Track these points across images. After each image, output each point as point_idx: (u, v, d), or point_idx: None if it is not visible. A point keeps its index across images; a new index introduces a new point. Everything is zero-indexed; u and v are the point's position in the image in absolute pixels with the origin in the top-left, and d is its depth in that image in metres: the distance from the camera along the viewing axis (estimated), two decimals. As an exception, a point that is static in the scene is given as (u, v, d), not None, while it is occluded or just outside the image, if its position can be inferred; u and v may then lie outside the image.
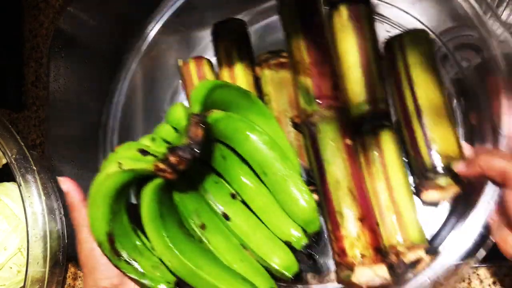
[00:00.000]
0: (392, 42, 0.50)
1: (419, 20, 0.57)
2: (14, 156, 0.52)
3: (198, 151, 0.36)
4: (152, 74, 0.72)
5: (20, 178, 0.52)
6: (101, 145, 0.59)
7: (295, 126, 0.49)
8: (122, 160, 0.37)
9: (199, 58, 0.57)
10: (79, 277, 0.59)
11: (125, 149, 0.39)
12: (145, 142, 0.40)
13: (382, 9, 0.62)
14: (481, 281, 0.48)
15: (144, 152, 0.37)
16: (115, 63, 0.76)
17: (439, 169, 0.44)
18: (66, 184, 0.43)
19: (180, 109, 0.42)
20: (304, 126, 0.46)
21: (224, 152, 0.44)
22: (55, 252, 0.53)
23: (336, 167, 0.43)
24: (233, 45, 0.54)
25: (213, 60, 0.58)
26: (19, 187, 0.51)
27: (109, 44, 0.75)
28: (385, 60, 0.50)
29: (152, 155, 0.37)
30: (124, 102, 0.60)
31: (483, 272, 0.48)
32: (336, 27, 0.49)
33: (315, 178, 0.45)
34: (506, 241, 0.38)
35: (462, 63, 0.63)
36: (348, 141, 0.44)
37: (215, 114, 0.42)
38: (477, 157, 0.38)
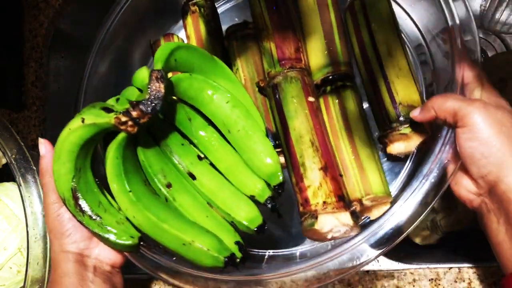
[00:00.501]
0: (353, 2, 0.51)
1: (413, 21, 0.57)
2: (14, 156, 0.52)
3: (159, 106, 0.36)
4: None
5: (20, 178, 0.51)
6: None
7: (261, 90, 0.50)
8: (85, 116, 0.37)
9: (168, 35, 0.59)
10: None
11: (89, 107, 0.39)
12: (110, 102, 0.40)
13: None
14: (481, 281, 0.48)
15: (107, 109, 0.38)
16: (115, 63, 0.76)
17: (402, 118, 0.45)
18: (46, 146, 0.43)
19: (143, 71, 0.43)
20: (269, 88, 0.47)
21: (189, 114, 0.45)
22: (55, 252, 0.53)
23: (299, 122, 0.44)
24: (201, 20, 0.55)
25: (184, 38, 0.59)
26: (19, 187, 0.51)
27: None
28: (349, 20, 0.51)
29: (115, 111, 0.37)
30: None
31: (483, 272, 0.48)
32: None
33: (280, 135, 0.46)
34: (458, 182, 0.38)
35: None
36: (311, 99, 0.45)
37: (179, 74, 0.43)
38: (432, 100, 0.38)
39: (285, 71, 0.46)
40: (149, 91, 0.37)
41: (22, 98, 0.68)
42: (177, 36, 0.59)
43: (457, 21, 0.42)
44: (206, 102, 0.44)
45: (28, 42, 0.69)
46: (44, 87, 0.68)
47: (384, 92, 0.46)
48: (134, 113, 0.36)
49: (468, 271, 0.49)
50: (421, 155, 0.47)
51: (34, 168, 0.53)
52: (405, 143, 0.46)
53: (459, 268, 0.49)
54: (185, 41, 0.58)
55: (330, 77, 0.48)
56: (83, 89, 0.53)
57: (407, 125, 0.44)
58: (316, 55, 0.49)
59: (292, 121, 0.44)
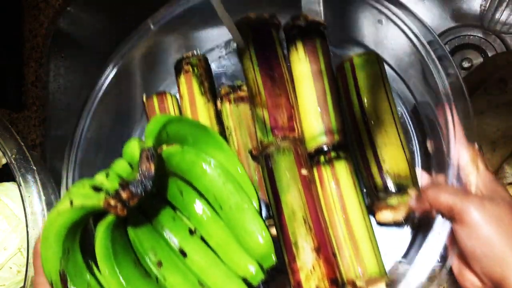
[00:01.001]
0: (343, 64, 0.50)
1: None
2: (14, 156, 0.52)
3: (149, 186, 0.35)
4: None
5: (20, 178, 0.52)
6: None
7: (254, 158, 0.49)
8: (74, 197, 0.36)
9: (161, 94, 0.57)
10: (79, 277, 0.59)
11: (78, 186, 0.38)
12: (99, 178, 0.39)
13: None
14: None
15: (96, 188, 0.37)
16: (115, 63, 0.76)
17: (390, 189, 0.44)
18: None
19: (134, 144, 0.42)
20: (261, 157, 0.46)
21: (180, 186, 0.44)
22: (55, 252, 0.53)
23: (292, 197, 0.43)
24: (194, 80, 0.54)
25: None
26: (19, 187, 0.51)
27: (109, 44, 0.75)
28: (339, 82, 0.51)
29: (105, 191, 0.36)
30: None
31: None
32: (293, 61, 0.50)
33: (272, 209, 0.45)
34: (463, 274, 0.37)
35: (463, 63, 0.63)
36: (304, 171, 0.44)
37: (169, 148, 0.41)
38: (425, 192, 0.37)
39: (278, 141, 0.45)
40: (139, 171, 0.36)
41: (22, 98, 0.68)
42: (170, 94, 0.57)
43: (451, 98, 0.41)
44: (198, 176, 0.43)
45: (28, 42, 0.69)
46: (44, 87, 0.68)
47: (371, 160, 0.46)
48: (124, 195, 0.35)
49: None
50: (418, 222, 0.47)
51: (34, 168, 0.53)
52: (392, 213, 0.45)
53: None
54: (178, 100, 0.57)
55: (324, 147, 0.47)
56: (74, 151, 0.52)
57: (394, 196, 0.44)
58: (309, 123, 0.48)
59: (284, 195, 0.43)
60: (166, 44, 0.61)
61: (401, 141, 0.46)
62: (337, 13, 0.62)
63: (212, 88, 0.56)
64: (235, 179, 0.43)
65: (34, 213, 0.51)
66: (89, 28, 0.71)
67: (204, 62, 0.57)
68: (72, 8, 0.68)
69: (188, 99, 0.54)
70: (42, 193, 0.53)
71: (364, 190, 0.48)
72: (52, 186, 0.56)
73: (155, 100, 0.56)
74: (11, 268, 0.54)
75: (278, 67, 0.48)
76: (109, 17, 0.72)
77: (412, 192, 0.44)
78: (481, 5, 0.62)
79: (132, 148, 0.41)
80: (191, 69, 0.55)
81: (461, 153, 0.38)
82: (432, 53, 0.43)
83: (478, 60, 0.62)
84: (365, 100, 0.47)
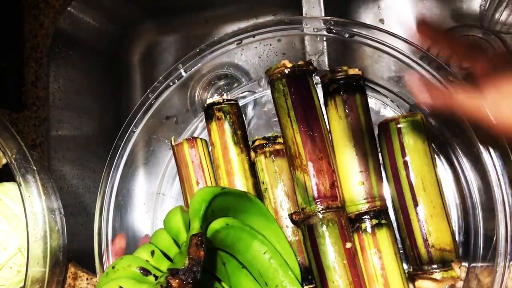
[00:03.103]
0: (388, 125, 0.49)
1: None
2: (14, 156, 0.52)
3: (199, 274, 0.35)
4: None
5: (20, 178, 0.51)
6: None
7: (294, 222, 0.48)
8: (122, 283, 0.36)
9: (191, 139, 0.54)
10: (79, 277, 0.59)
11: (124, 265, 0.38)
12: (143, 255, 0.39)
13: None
14: (479, 281, 0.48)
15: (144, 270, 0.37)
16: (115, 63, 0.76)
17: (435, 262, 0.45)
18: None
19: (178, 219, 0.41)
20: (303, 226, 0.46)
21: (224, 258, 0.44)
22: (55, 252, 0.53)
23: (337, 275, 0.43)
24: (227, 128, 0.52)
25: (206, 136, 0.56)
26: (19, 187, 0.51)
27: (109, 44, 0.75)
28: (382, 143, 0.49)
29: (153, 274, 0.36)
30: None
31: (483, 272, 0.48)
32: (331, 118, 0.49)
33: (316, 281, 0.45)
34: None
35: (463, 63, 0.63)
36: (348, 245, 0.44)
37: (214, 225, 0.41)
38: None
39: (321, 210, 0.44)
40: (188, 257, 0.35)
41: (22, 98, 0.68)
42: (200, 139, 0.55)
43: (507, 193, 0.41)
44: (243, 251, 0.43)
45: (28, 42, 0.69)
46: (44, 87, 0.68)
47: (416, 231, 0.46)
48: (175, 284, 0.34)
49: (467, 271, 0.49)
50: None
51: (35, 168, 0.53)
52: (434, 285, 0.45)
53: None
54: (209, 146, 0.55)
55: (366, 215, 0.46)
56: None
57: (438, 270, 0.44)
58: (350, 188, 0.47)
59: (330, 272, 0.43)
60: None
61: (446, 212, 0.46)
62: (338, 13, 0.62)
63: (245, 137, 0.54)
64: (279, 256, 0.43)
65: (34, 213, 0.51)
66: (89, 28, 0.71)
67: (236, 109, 0.54)
68: (72, 8, 0.68)
69: (220, 148, 0.52)
70: (42, 193, 0.53)
71: (403, 254, 0.48)
72: (52, 186, 0.56)
73: (185, 145, 0.54)
74: (11, 268, 0.54)
75: (318, 127, 0.46)
76: (109, 17, 0.72)
77: (456, 267, 0.44)
78: (480, 5, 0.62)
79: (177, 223, 0.41)
80: (223, 116, 0.52)
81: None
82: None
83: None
84: (412, 167, 0.46)
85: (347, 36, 0.47)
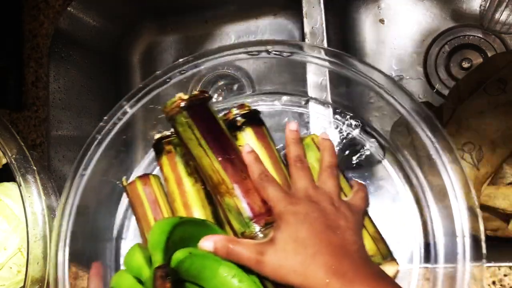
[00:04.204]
0: None
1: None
2: (14, 156, 0.52)
3: None
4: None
5: (20, 178, 0.51)
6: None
7: None
8: None
9: (144, 177, 0.52)
10: (80, 276, 0.59)
11: None
12: None
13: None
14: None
15: None
16: (115, 63, 0.76)
17: None
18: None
19: (138, 257, 0.40)
20: None
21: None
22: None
23: None
24: (179, 160, 0.50)
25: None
26: (19, 187, 0.51)
27: (109, 44, 0.75)
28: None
29: None
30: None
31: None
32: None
33: None
34: None
35: (462, 63, 0.63)
36: None
37: (177, 255, 0.40)
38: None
39: (261, 229, 0.42)
40: None
41: (22, 98, 0.68)
42: (154, 176, 0.53)
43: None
44: (210, 278, 0.41)
45: (28, 42, 0.69)
46: (44, 87, 0.68)
47: None
48: None
49: (467, 271, 0.49)
50: None
51: (35, 168, 0.53)
52: None
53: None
54: (163, 181, 0.53)
55: None
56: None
57: None
58: None
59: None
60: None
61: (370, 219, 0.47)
62: (338, 13, 0.62)
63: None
64: (249, 278, 0.41)
65: (34, 213, 0.51)
66: (89, 28, 0.71)
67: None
68: (72, 8, 0.68)
69: (174, 181, 0.50)
70: (42, 193, 0.53)
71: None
72: (52, 186, 0.56)
73: (138, 184, 0.51)
74: (11, 268, 0.54)
75: (233, 149, 0.45)
76: (109, 17, 0.72)
77: (387, 267, 0.43)
78: (480, 5, 0.62)
79: (137, 261, 0.39)
80: (173, 149, 0.50)
81: None
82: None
83: (477, 60, 0.62)
84: None
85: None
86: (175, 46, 0.76)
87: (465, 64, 0.62)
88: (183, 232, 0.41)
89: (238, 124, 0.48)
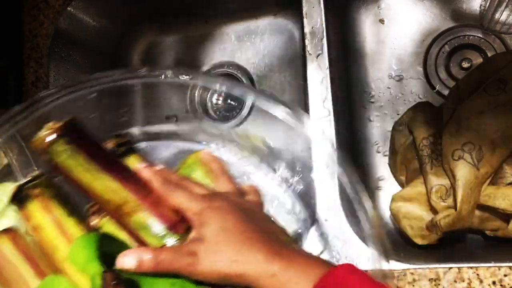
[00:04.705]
0: None
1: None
2: (15, 157, 0.52)
3: None
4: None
5: (22, 179, 0.51)
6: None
7: None
8: None
9: (8, 231, 0.44)
10: (80, 277, 0.59)
11: None
12: None
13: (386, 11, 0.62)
14: (481, 281, 0.48)
15: None
16: (115, 63, 0.76)
17: None
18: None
19: (82, 249, 0.36)
20: None
21: None
22: (55, 252, 0.53)
23: None
24: (54, 202, 0.43)
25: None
26: (19, 187, 0.51)
27: (109, 44, 0.75)
28: None
29: None
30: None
31: (483, 272, 0.48)
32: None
33: None
34: None
35: (462, 63, 0.63)
36: None
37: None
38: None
39: (183, 236, 0.39)
40: None
41: (22, 98, 0.68)
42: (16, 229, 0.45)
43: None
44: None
45: (28, 42, 0.69)
46: (44, 87, 0.68)
47: None
48: None
49: (468, 271, 0.49)
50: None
51: (36, 168, 0.53)
52: None
53: (459, 268, 0.49)
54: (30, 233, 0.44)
55: None
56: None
57: None
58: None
59: None
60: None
61: None
62: (338, 13, 0.62)
63: (74, 206, 0.45)
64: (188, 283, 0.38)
65: (35, 213, 0.51)
66: (89, 28, 0.71)
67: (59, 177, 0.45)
68: (72, 8, 0.68)
69: (54, 227, 0.42)
70: (42, 193, 0.53)
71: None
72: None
73: (4, 241, 0.43)
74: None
75: (125, 167, 0.42)
76: (109, 17, 0.72)
77: None
78: (480, 5, 0.62)
79: (84, 254, 0.35)
80: (43, 192, 0.43)
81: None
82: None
83: (477, 60, 0.62)
84: None
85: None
86: (175, 46, 0.76)
87: (465, 64, 0.62)
88: (108, 247, 0.38)
89: (119, 152, 0.45)
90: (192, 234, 0.37)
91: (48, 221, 0.42)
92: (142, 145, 0.52)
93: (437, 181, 0.52)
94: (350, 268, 0.33)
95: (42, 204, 0.43)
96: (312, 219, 0.51)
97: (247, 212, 0.38)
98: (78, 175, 0.41)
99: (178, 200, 0.39)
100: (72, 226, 0.42)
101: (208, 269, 0.34)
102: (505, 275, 0.47)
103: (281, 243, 0.36)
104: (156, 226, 0.40)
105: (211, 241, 0.35)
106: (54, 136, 0.40)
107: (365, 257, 0.50)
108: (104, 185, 0.41)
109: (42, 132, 0.41)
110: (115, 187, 0.40)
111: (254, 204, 0.42)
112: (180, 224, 0.40)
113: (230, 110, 0.74)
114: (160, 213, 0.40)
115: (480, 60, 0.62)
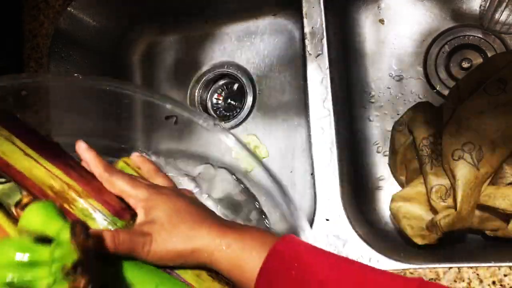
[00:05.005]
0: None
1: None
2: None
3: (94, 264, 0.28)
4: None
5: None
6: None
7: None
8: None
9: None
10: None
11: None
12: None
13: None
14: (481, 281, 0.48)
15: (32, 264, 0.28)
16: (115, 63, 0.76)
17: None
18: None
19: (45, 212, 0.31)
20: None
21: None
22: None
23: None
24: None
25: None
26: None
27: (109, 44, 0.75)
28: None
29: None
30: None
31: (483, 272, 0.48)
32: None
33: None
34: None
35: (462, 63, 0.63)
36: None
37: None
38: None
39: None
40: (75, 246, 0.27)
41: (22, 98, 0.68)
42: None
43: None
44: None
45: (28, 42, 0.69)
46: (44, 87, 0.67)
47: None
48: (82, 283, 0.26)
49: (468, 271, 0.49)
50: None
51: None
52: None
53: (458, 268, 0.49)
54: None
55: None
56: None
57: None
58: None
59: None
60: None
61: None
62: (338, 13, 0.62)
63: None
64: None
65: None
66: (89, 28, 0.71)
67: None
68: (72, 8, 0.68)
69: None
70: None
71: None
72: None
73: None
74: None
75: (63, 151, 0.41)
76: (109, 17, 0.72)
77: None
78: (480, 5, 0.62)
79: (44, 216, 0.31)
80: None
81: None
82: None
83: (477, 60, 0.62)
84: None
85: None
86: (175, 46, 0.76)
87: (465, 64, 0.62)
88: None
89: None
90: (141, 219, 0.37)
91: None
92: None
93: (437, 181, 0.52)
94: (295, 237, 0.35)
95: None
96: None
97: (192, 199, 0.39)
98: (15, 161, 0.39)
99: (122, 188, 0.38)
100: (14, 231, 0.37)
101: (162, 247, 0.34)
102: (505, 275, 0.47)
103: (229, 222, 0.38)
104: (100, 213, 0.38)
105: (164, 222, 0.35)
106: None
107: (366, 257, 0.50)
108: (43, 172, 0.38)
109: None
110: (57, 174, 0.38)
111: (194, 197, 0.43)
112: (125, 211, 0.39)
113: (230, 110, 0.74)
114: (104, 200, 0.39)
115: (480, 60, 0.62)
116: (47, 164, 0.39)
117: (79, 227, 0.28)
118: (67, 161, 0.40)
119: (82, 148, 0.40)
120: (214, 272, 0.36)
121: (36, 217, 0.31)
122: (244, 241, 0.34)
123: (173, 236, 0.34)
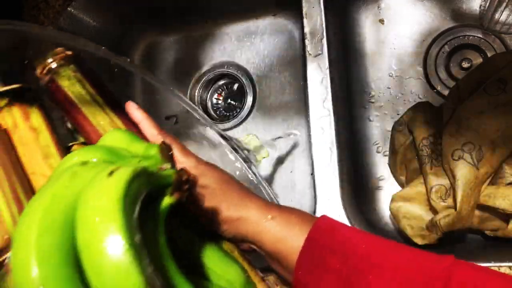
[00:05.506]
0: None
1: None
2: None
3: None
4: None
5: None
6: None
7: None
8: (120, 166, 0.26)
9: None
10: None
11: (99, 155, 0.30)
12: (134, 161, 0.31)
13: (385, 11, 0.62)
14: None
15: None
16: (115, 63, 0.76)
17: None
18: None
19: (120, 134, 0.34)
20: None
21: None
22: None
23: None
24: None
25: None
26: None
27: (109, 44, 0.75)
28: None
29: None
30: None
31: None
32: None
33: None
34: None
35: (462, 63, 0.63)
36: None
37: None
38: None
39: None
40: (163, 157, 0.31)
41: (22, 98, 0.68)
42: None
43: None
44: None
45: (28, 42, 0.69)
46: (44, 87, 0.67)
47: None
48: (185, 176, 0.29)
49: (467, 271, 0.49)
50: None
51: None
52: None
53: (459, 268, 0.49)
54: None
55: None
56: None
57: None
58: None
59: None
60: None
61: None
62: (338, 13, 0.62)
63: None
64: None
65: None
66: (89, 28, 0.71)
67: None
68: (72, 8, 0.68)
69: (50, 135, 0.39)
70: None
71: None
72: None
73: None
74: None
75: (121, 107, 0.42)
76: (109, 17, 0.72)
77: None
78: (480, 5, 0.62)
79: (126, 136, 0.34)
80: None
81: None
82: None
83: (477, 60, 0.62)
84: None
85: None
86: (175, 46, 0.76)
87: (465, 64, 0.62)
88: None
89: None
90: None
91: (45, 127, 0.39)
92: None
93: (437, 181, 0.52)
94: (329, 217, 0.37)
95: (40, 112, 0.40)
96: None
97: (234, 176, 0.41)
98: (82, 104, 0.39)
99: (173, 152, 0.39)
100: (100, 115, 0.39)
101: (211, 208, 0.36)
102: (505, 275, 0.47)
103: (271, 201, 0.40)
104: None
105: (216, 188, 0.37)
106: (64, 60, 0.40)
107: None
108: (105, 120, 0.39)
109: (53, 52, 0.39)
110: (118, 125, 0.39)
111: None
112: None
113: (230, 110, 0.74)
114: (86, 131, 0.38)
115: (480, 60, 0.62)
116: (110, 113, 0.39)
117: (183, 176, 0.30)
118: (124, 114, 0.40)
119: (133, 108, 0.41)
120: (246, 252, 0.38)
121: (121, 137, 0.34)
122: (289, 217, 0.36)
123: (222, 202, 0.36)
